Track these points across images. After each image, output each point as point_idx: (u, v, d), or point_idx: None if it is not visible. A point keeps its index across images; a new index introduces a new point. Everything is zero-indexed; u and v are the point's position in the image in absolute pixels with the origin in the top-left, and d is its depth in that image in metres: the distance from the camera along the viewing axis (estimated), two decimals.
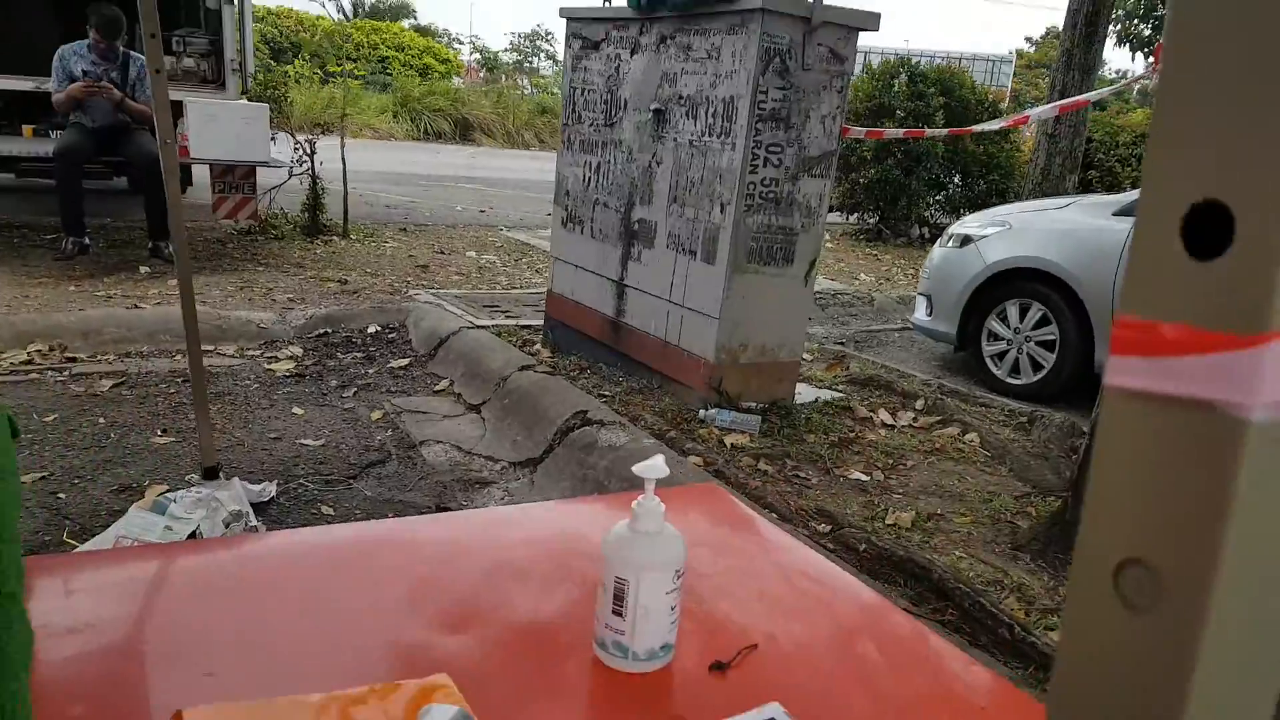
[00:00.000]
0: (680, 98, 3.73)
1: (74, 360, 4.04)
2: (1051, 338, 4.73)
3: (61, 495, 2.84)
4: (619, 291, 4.18)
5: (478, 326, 4.74)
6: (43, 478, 2.93)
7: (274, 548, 1.18)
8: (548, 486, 3.23)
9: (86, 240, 5.80)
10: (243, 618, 0.95)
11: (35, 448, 3.13)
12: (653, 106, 3.86)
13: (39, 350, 4.06)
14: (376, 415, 3.78)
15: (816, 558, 1.24)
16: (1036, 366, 4.82)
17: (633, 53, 4.01)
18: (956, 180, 10.92)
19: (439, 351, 4.55)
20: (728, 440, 3.46)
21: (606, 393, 3.90)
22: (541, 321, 4.84)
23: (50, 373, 3.87)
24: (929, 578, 2.55)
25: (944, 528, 2.99)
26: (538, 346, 4.60)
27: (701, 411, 3.64)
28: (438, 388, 4.20)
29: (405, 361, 4.51)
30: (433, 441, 3.56)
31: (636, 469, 0.92)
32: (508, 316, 5.16)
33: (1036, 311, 4.79)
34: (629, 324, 4.13)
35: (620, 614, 0.90)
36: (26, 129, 6.61)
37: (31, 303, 4.70)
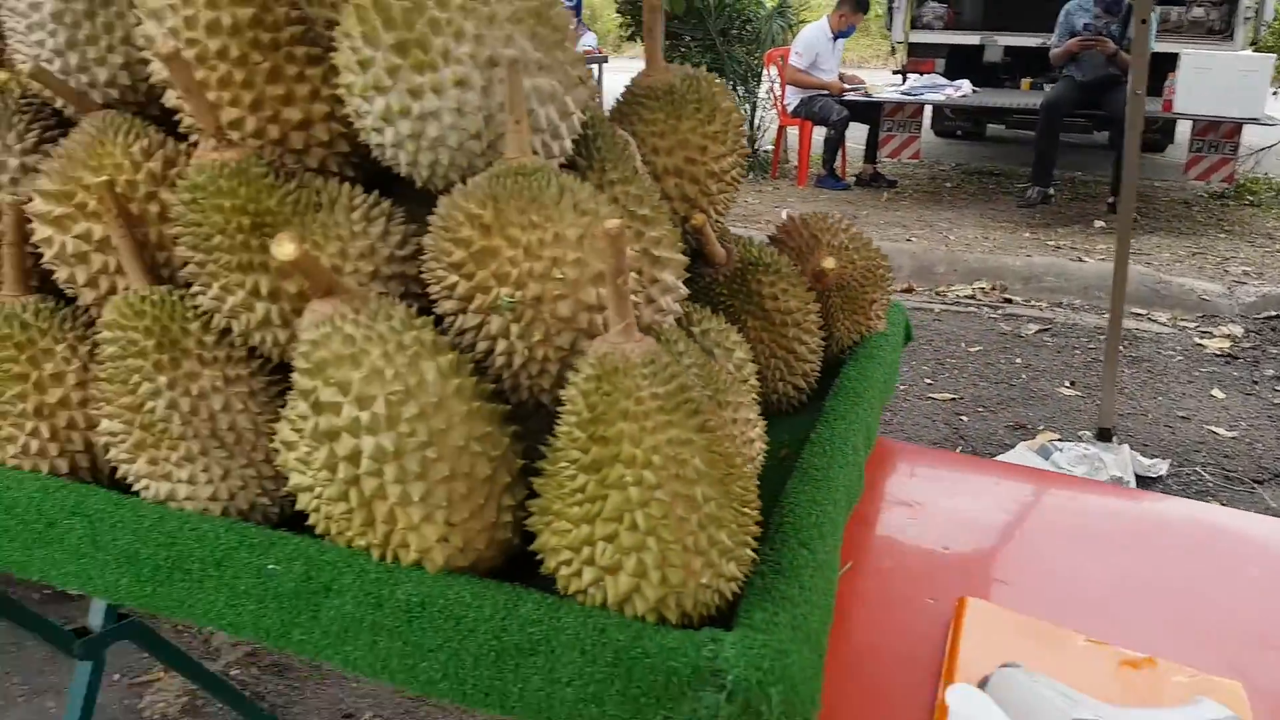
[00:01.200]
0: None
1: (1009, 301, 4.38)
2: None
3: (964, 418, 3.16)
4: None
5: None
6: (952, 399, 3.31)
7: (1134, 507, 1.12)
8: None
9: (1051, 191, 6.10)
10: (1060, 550, 0.95)
11: (955, 373, 3.54)
12: None
13: (981, 288, 4.52)
14: None
15: None
16: None
17: None
18: None
19: None
20: None
21: None
22: None
23: (986, 309, 4.28)
24: None
25: None
26: None
27: None
28: None
29: None
30: None
31: None
32: None
33: None
34: None
35: None
36: (1024, 82, 7.19)
37: (987, 244, 5.23)
